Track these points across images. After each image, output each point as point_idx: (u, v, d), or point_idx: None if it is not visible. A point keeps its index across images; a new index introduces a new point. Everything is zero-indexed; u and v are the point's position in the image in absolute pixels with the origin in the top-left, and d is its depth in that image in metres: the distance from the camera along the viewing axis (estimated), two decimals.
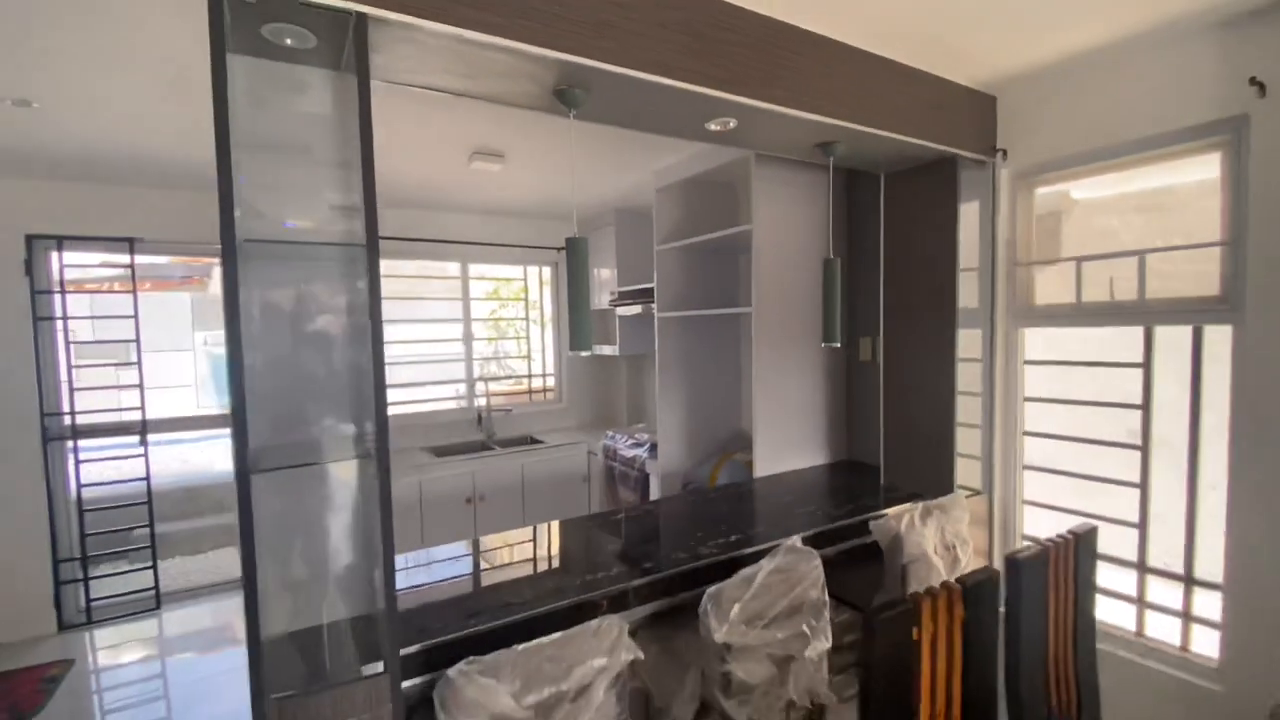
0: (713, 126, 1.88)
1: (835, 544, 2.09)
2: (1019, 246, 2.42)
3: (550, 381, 4.90)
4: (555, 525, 2.22)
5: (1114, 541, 2.19)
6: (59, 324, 3.30)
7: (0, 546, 3.12)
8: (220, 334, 4.51)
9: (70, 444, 3.32)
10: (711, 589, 1.59)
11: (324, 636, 1.35)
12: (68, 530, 3.32)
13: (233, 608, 3.57)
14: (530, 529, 2.30)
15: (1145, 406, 2.13)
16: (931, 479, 2.48)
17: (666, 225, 3.34)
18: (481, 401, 4.45)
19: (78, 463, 3.32)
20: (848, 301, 2.97)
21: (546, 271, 4.84)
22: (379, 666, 1.24)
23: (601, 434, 4.28)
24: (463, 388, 4.50)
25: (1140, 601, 2.17)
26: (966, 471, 2.50)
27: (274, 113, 1.39)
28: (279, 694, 1.15)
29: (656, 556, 1.85)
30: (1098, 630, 1.60)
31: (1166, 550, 2.11)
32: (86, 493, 3.35)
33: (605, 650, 1.36)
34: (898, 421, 2.63)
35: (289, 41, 1.24)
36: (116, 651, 3.16)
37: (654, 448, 3.62)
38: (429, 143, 2.78)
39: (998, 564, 2.37)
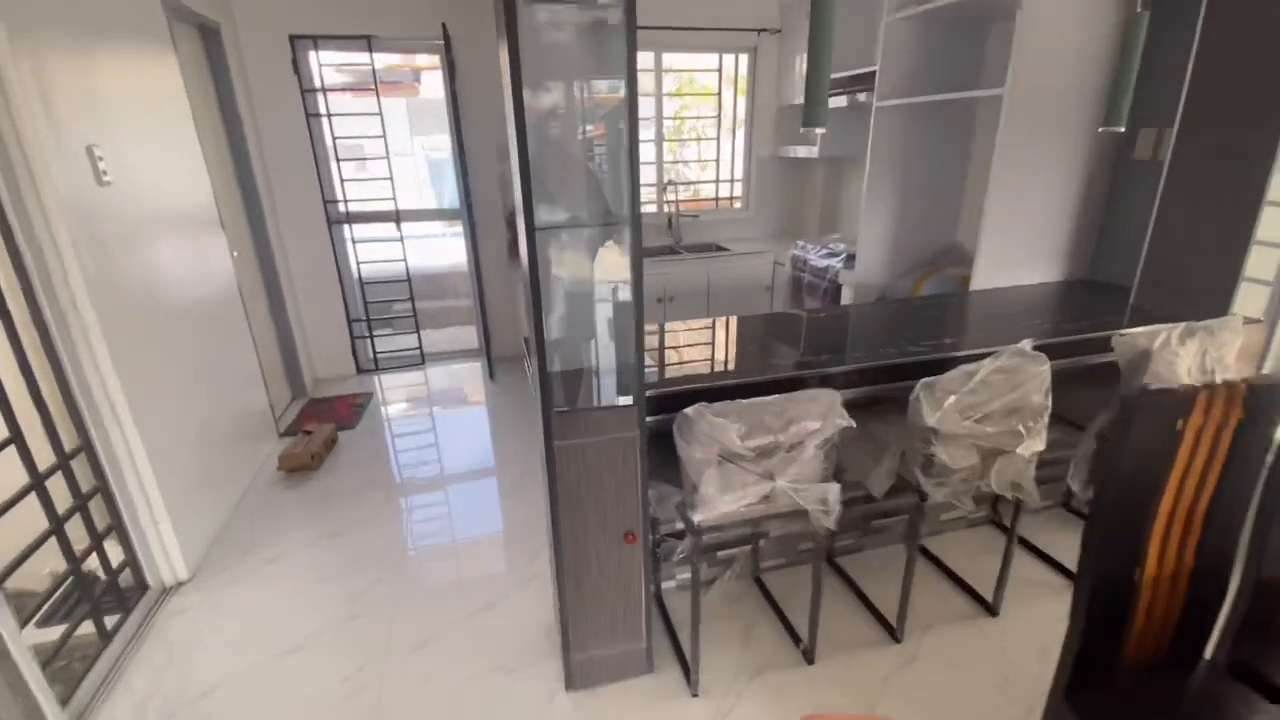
0: None
1: (1062, 358, 1.96)
2: None
3: (738, 189, 4.78)
4: (765, 317, 2.32)
5: None
6: (325, 121, 3.82)
7: (314, 307, 4.04)
8: (437, 139, 4.88)
9: (346, 228, 4.03)
10: (927, 379, 1.61)
11: (584, 375, 1.63)
12: (354, 298, 4.18)
13: (472, 370, 4.38)
14: (737, 319, 2.43)
15: None
16: (1200, 302, 2.13)
17: None
18: (671, 207, 4.51)
19: (354, 243, 4.06)
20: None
21: (743, 62, 4.45)
22: (629, 399, 1.49)
23: (787, 244, 4.19)
24: (653, 191, 4.56)
25: None
26: (1247, 298, 2.11)
27: None
28: (559, 408, 1.45)
29: (863, 350, 1.89)
30: None
31: None
32: (364, 269, 4.13)
33: (819, 415, 1.49)
34: (1171, 233, 2.23)
35: None
36: (398, 391, 4.10)
37: (850, 259, 3.50)
38: None
39: None
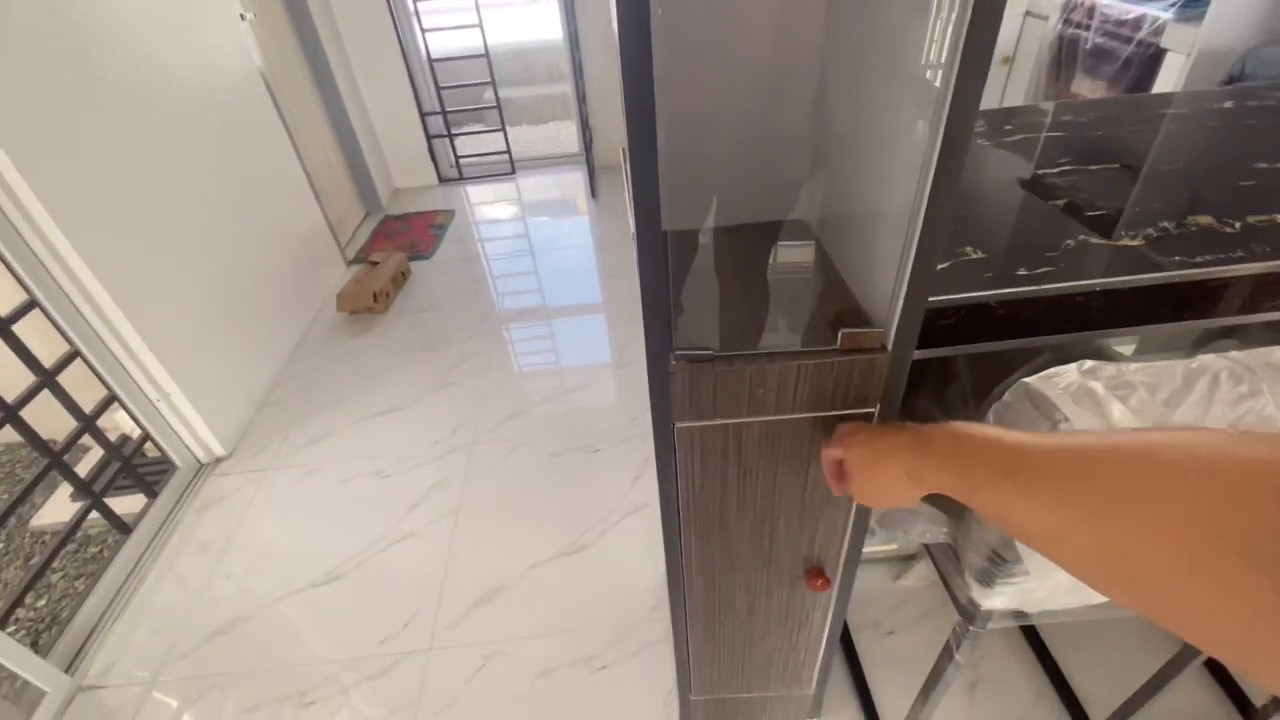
0: None
1: None
2: None
3: None
4: (1087, 108, 1.18)
5: None
6: None
7: (379, 94, 3.20)
8: None
9: None
10: None
11: (760, 251, 0.73)
12: (424, 82, 3.28)
13: (572, 181, 3.49)
14: (1006, 112, 1.30)
15: None
16: None
17: None
18: None
19: (416, 1, 3.04)
20: None
21: None
22: (873, 335, 0.58)
23: None
24: None
25: None
26: None
27: None
28: (690, 349, 0.59)
29: None
30: None
31: None
32: (431, 42, 3.15)
33: None
34: None
35: None
36: (484, 209, 3.36)
37: (1191, 2, 2.00)
38: None
39: None
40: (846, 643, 1.27)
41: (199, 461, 1.83)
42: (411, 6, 3.06)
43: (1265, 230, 0.74)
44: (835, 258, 0.72)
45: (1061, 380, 0.51)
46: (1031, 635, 1.25)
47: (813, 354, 0.59)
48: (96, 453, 2.00)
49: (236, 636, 1.40)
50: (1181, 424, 0.28)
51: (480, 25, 3.08)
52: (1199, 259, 0.68)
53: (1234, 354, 0.52)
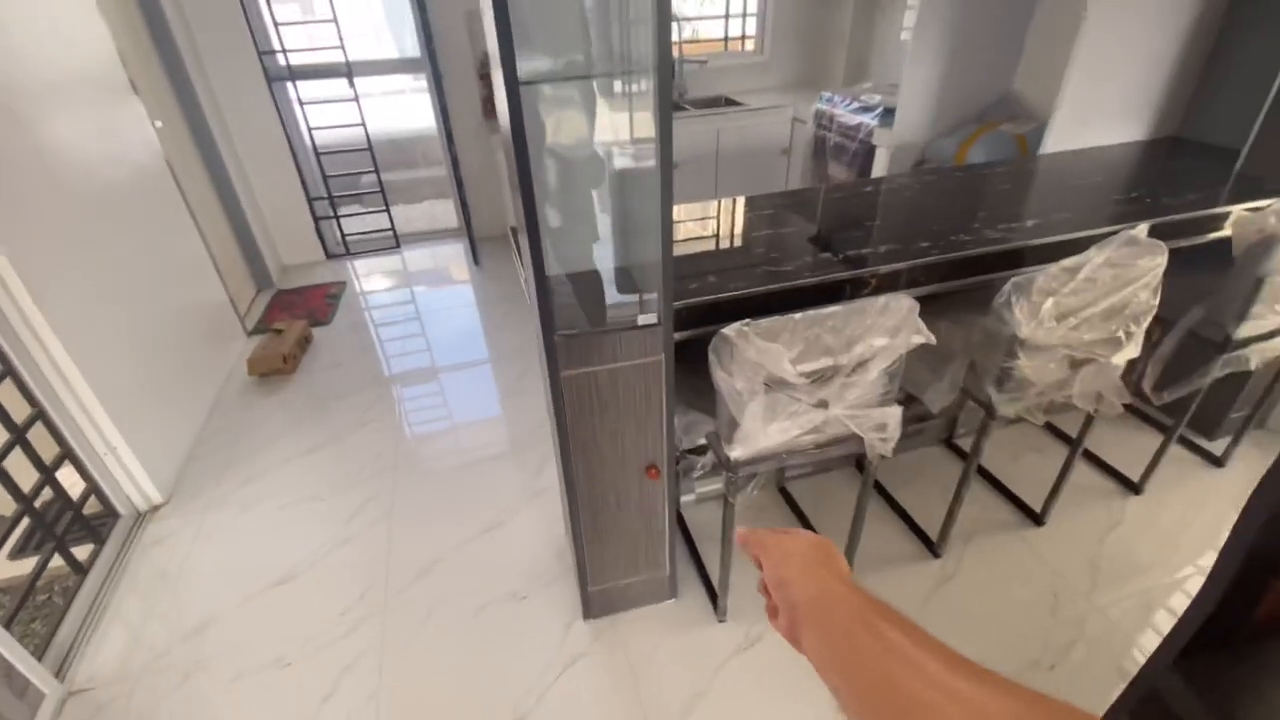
0: None
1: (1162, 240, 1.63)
2: None
3: (750, 26, 4.07)
4: (801, 194, 1.93)
5: None
6: None
7: (267, 183, 3.53)
8: None
9: (291, 86, 3.41)
10: (1019, 278, 1.30)
11: (592, 281, 1.31)
12: (311, 171, 3.66)
13: (454, 252, 3.98)
14: (754, 200, 2.05)
15: None
16: None
17: None
18: (674, 50, 3.85)
19: (302, 104, 3.46)
20: None
21: None
22: (653, 318, 1.18)
23: (809, 96, 3.62)
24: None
25: None
26: None
27: None
28: (565, 331, 1.14)
29: (930, 239, 1.55)
30: None
31: None
32: (317, 136, 3.56)
33: (890, 330, 1.19)
34: None
35: None
36: (374, 279, 3.73)
37: (888, 114, 3.00)
38: None
39: None
40: (695, 553, 1.83)
41: (138, 510, 2.05)
42: (295, 99, 3.46)
43: (868, 258, 1.45)
44: (639, 282, 1.32)
45: (733, 329, 1.13)
46: (794, 506, 1.89)
47: (626, 328, 1.17)
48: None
49: (209, 633, 1.68)
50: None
51: (364, 124, 3.55)
52: (816, 274, 1.37)
53: (826, 309, 1.16)
